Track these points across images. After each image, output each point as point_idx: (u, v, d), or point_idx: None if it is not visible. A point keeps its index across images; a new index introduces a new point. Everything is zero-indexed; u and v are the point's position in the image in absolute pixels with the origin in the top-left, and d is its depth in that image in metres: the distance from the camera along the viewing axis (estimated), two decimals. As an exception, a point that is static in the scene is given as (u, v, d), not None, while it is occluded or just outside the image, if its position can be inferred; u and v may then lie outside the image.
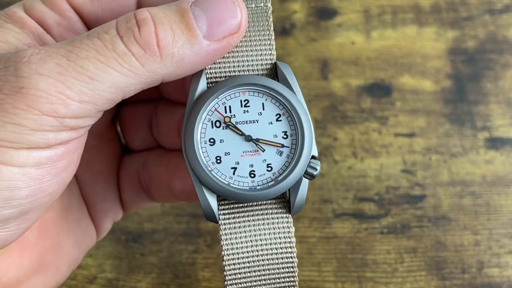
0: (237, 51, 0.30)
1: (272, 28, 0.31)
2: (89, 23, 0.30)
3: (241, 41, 0.30)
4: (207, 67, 0.30)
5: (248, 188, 0.30)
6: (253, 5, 0.31)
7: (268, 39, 0.31)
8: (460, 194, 0.47)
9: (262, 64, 0.31)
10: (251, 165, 0.30)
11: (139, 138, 0.39)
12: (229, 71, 0.30)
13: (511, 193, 0.47)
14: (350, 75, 0.52)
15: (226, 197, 0.30)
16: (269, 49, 0.31)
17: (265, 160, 0.30)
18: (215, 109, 0.30)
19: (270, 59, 0.31)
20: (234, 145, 0.30)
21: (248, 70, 0.31)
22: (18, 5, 0.29)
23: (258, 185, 0.30)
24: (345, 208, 0.47)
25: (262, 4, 0.31)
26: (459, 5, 0.55)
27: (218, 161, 0.30)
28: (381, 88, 0.52)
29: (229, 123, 0.30)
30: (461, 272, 0.44)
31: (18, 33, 0.28)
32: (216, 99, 0.30)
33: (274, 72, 0.31)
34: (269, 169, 0.30)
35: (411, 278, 0.44)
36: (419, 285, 0.44)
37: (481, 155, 0.49)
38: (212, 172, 0.30)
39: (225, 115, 0.30)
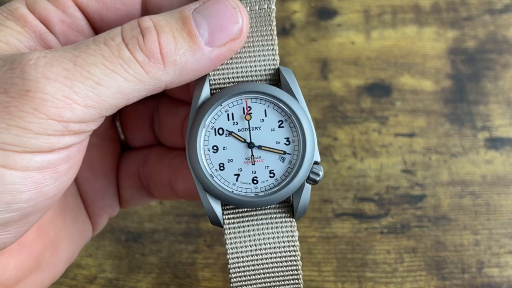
0: (240, 56, 0.30)
1: (275, 33, 0.30)
2: (93, 22, 0.30)
3: (244, 46, 0.30)
4: (210, 73, 0.30)
5: (251, 194, 0.30)
6: (257, 8, 0.30)
7: (271, 44, 0.30)
8: (460, 194, 0.47)
9: (265, 70, 0.30)
10: (254, 172, 0.30)
11: (141, 136, 0.39)
12: (233, 77, 0.30)
13: (511, 193, 0.47)
14: (350, 75, 0.52)
15: (230, 203, 0.30)
16: (272, 54, 0.30)
17: (268, 166, 0.30)
18: (243, 99, 0.30)
19: (274, 64, 0.30)
20: (237, 152, 0.30)
21: (251, 76, 0.30)
22: (21, 0, 0.29)
23: (261, 191, 0.30)
24: (345, 208, 0.47)
25: (265, 6, 0.30)
26: (459, 5, 0.55)
27: (222, 168, 0.30)
28: (381, 88, 0.52)
29: (245, 122, 0.30)
30: (461, 272, 0.44)
31: (20, 33, 0.28)
32: (220, 106, 0.30)
33: (277, 77, 0.31)
34: (272, 175, 0.30)
35: (411, 278, 0.44)
36: (419, 285, 0.44)
37: (481, 155, 0.49)
38: (216, 179, 0.30)
39: (246, 113, 0.30)
